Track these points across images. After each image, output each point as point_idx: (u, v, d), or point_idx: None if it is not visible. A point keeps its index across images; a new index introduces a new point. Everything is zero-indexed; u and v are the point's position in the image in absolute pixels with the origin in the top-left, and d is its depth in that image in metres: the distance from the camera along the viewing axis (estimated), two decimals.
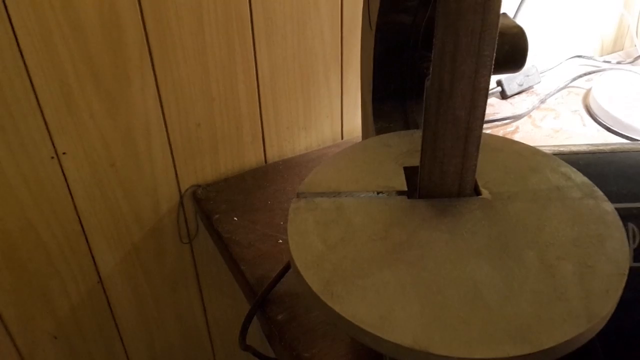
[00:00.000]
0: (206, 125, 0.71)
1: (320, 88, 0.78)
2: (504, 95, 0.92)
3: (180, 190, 0.74)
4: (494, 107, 0.89)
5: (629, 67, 0.99)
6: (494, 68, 0.35)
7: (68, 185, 0.66)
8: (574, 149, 0.52)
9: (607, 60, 1.02)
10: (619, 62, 1.01)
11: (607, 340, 0.38)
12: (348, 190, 0.42)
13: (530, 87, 0.93)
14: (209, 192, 0.73)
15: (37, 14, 0.55)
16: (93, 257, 0.72)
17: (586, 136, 0.82)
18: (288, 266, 0.56)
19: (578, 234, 0.37)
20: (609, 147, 0.51)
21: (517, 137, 0.80)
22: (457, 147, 0.37)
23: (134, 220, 0.73)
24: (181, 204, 0.75)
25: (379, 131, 0.54)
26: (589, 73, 0.96)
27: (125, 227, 0.73)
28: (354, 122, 0.84)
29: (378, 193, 0.41)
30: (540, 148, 0.46)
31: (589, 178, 0.41)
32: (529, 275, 0.34)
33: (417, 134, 0.45)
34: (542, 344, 0.30)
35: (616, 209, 0.38)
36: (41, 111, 0.60)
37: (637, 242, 0.45)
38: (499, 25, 0.33)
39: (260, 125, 0.76)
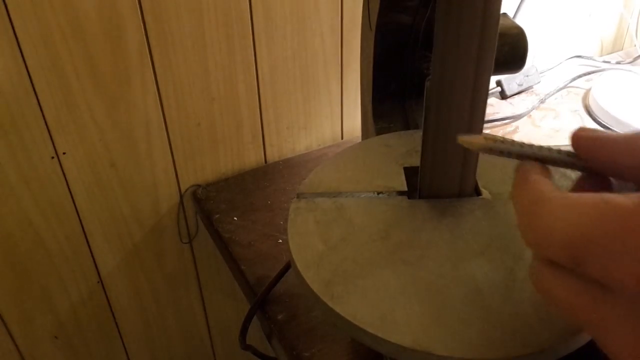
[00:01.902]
0: (206, 125, 0.71)
1: (320, 88, 0.78)
2: (503, 95, 0.92)
3: (180, 190, 0.74)
4: (494, 107, 0.89)
5: (628, 67, 0.99)
6: (494, 68, 0.35)
7: (68, 185, 0.66)
8: None
9: (606, 60, 1.02)
10: (618, 62, 1.01)
11: None
12: (348, 191, 0.42)
13: (530, 87, 0.93)
14: (209, 192, 0.73)
15: (37, 14, 0.55)
16: (93, 257, 0.72)
17: None
18: (288, 266, 0.56)
19: None
20: None
21: (517, 137, 0.80)
22: (458, 147, 0.37)
23: (134, 220, 0.73)
24: (181, 203, 0.75)
25: (379, 131, 0.54)
26: (589, 73, 0.96)
27: (125, 227, 0.73)
28: (354, 122, 0.84)
29: (378, 193, 0.41)
30: None
31: None
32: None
33: (417, 134, 0.45)
34: (542, 344, 0.30)
35: None
36: (41, 111, 0.60)
37: None
38: (499, 25, 0.33)
39: (260, 125, 0.76)
